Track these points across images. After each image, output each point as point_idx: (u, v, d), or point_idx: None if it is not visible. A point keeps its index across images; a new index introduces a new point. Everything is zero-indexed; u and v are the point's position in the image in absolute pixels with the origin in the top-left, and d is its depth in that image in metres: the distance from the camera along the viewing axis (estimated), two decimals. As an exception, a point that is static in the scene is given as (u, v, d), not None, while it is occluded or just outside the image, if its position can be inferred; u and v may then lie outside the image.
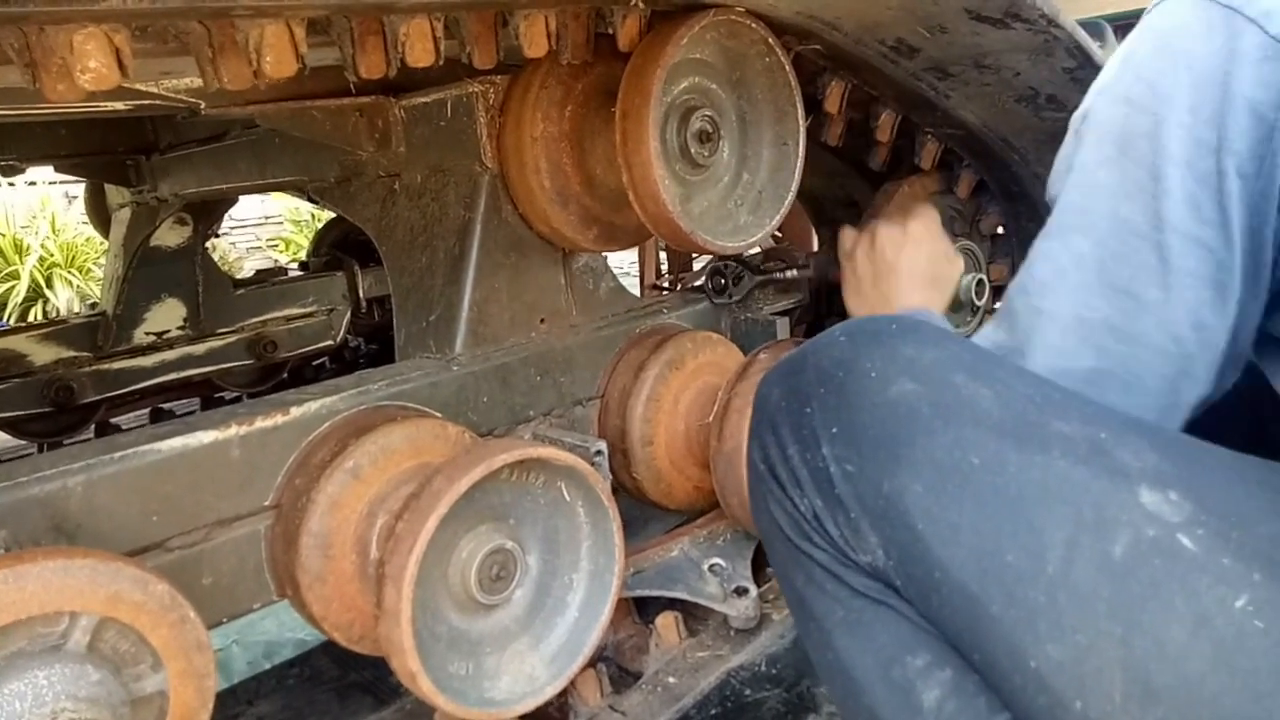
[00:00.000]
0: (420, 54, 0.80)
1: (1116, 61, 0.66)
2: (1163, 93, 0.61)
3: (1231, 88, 0.58)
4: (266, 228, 7.06)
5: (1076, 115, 0.68)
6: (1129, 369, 0.64)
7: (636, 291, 2.78)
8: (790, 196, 1.04)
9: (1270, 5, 0.58)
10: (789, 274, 1.30)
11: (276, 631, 1.39)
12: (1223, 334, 0.62)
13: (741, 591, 1.07)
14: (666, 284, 2.27)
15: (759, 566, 1.15)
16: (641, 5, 0.91)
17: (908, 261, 1.09)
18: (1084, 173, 0.66)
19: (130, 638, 0.63)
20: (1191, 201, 0.60)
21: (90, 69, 0.65)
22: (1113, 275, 0.64)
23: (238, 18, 0.70)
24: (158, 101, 1.08)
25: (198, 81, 0.83)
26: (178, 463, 0.78)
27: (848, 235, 1.18)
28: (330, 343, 2.24)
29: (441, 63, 0.82)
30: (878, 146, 1.25)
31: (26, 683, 0.57)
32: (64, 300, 5.23)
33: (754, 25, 0.96)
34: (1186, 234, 0.61)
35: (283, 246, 6.94)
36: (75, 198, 5.55)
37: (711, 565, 1.10)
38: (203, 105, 1.12)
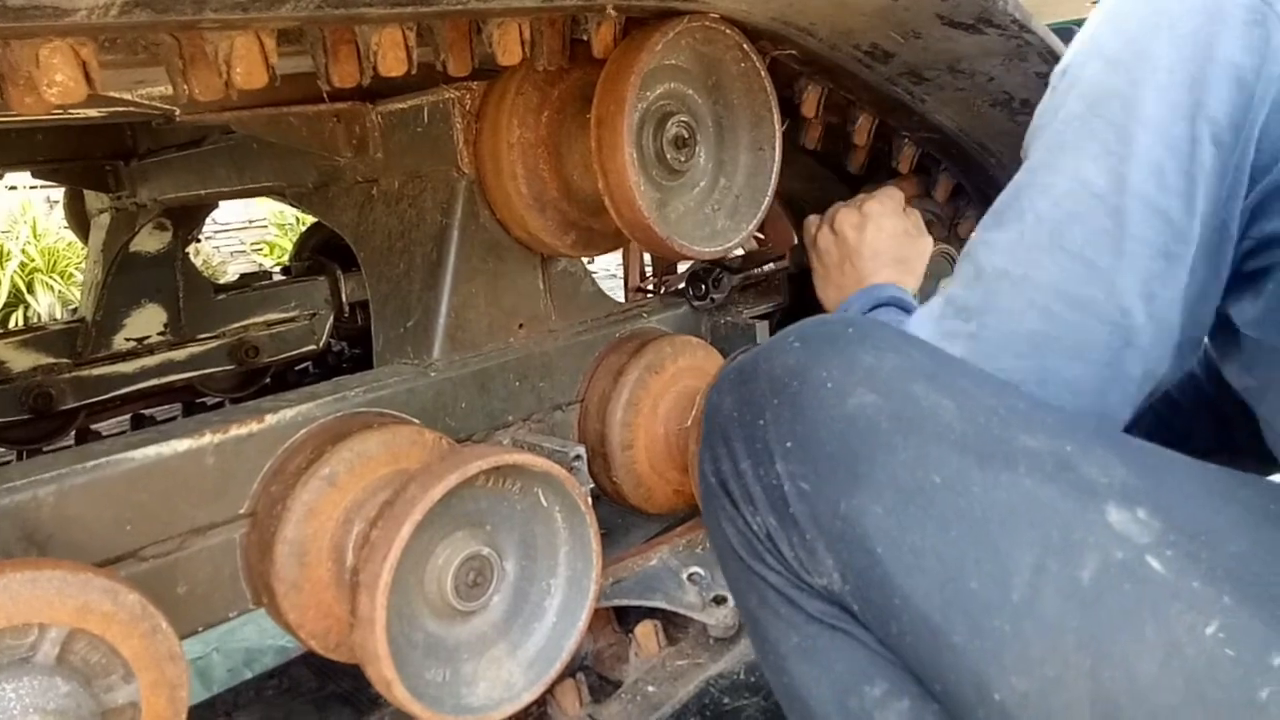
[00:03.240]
0: (393, 63, 0.80)
1: (1099, 17, 0.63)
2: (1141, 51, 0.58)
3: (1215, 51, 0.56)
4: (250, 231, 7.02)
5: (1056, 70, 0.65)
6: (1075, 335, 0.62)
7: (621, 295, 2.78)
8: (767, 201, 1.05)
9: None
10: (767, 267, 1.30)
11: (257, 638, 1.39)
12: (1174, 308, 0.60)
13: (720, 600, 1.07)
14: (651, 287, 2.28)
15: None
16: (614, 12, 0.91)
17: (869, 240, 1.06)
18: (1051, 130, 0.63)
19: (101, 649, 0.63)
20: (1157, 168, 0.58)
21: (57, 82, 0.65)
22: (1066, 237, 0.61)
23: (207, 29, 0.70)
24: (132, 109, 1.07)
25: (171, 89, 0.83)
26: (151, 471, 0.78)
27: (811, 222, 1.17)
28: (313, 347, 2.23)
29: (415, 71, 0.82)
30: (855, 150, 1.26)
31: (-6, 696, 0.57)
32: (45, 306, 5.19)
33: (729, 31, 0.96)
34: (1147, 201, 0.58)
35: (267, 250, 6.91)
36: (56, 203, 5.50)
37: (690, 574, 1.10)
38: (177, 112, 1.11)
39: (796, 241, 1.33)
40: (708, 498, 0.69)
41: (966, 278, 0.68)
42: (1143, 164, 0.58)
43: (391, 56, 0.80)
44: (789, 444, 0.61)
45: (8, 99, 0.66)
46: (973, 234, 0.69)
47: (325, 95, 1.04)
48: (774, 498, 0.62)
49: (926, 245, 1.12)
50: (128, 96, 1.01)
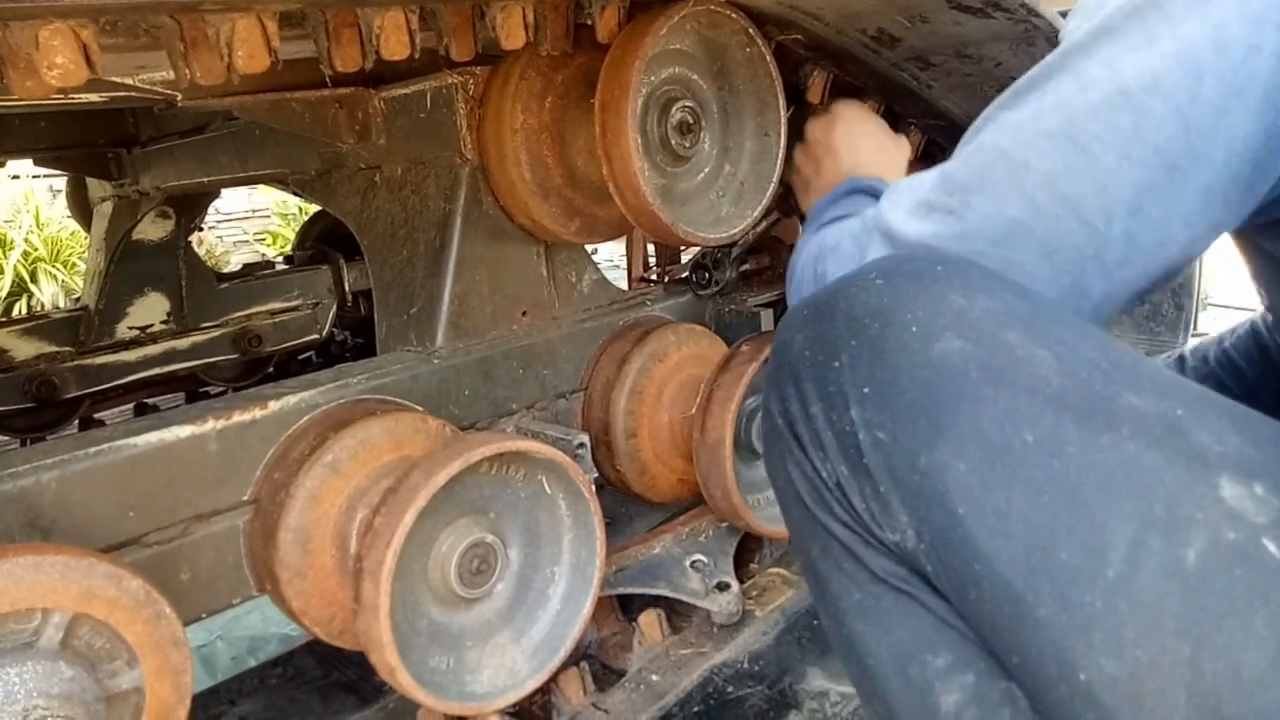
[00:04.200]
0: (396, 47, 0.80)
1: None
2: None
3: None
4: (253, 221, 7.03)
5: None
6: (1050, 231, 0.58)
7: (624, 284, 2.78)
8: (772, 187, 1.04)
9: None
10: (759, 228, 1.27)
11: (261, 626, 1.39)
12: (1159, 230, 0.56)
13: (723, 587, 1.07)
14: (654, 276, 2.27)
15: (741, 562, 1.15)
16: (620, -4, 0.90)
17: (841, 137, 1.02)
18: (1102, 14, 0.58)
19: (105, 634, 0.63)
20: (1195, 69, 0.53)
21: (57, 65, 0.64)
22: (1078, 129, 0.57)
23: (208, 12, 0.69)
24: (133, 94, 1.07)
25: (173, 74, 0.83)
26: (154, 458, 0.78)
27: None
28: (316, 336, 2.23)
29: (418, 55, 0.82)
30: (860, 137, 1.25)
31: (-2, 680, 0.57)
32: (49, 295, 5.19)
33: (734, 15, 0.95)
34: (1174, 105, 0.54)
35: (270, 240, 6.90)
36: (59, 191, 5.50)
37: (694, 561, 1.10)
38: (179, 97, 1.11)
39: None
40: (772, 439, 0.65)
41: (965, 153, 0.64)
42: (1183, 63, 0.53)
43: (394, 40, 0.80)
44: (866, 389, 0.56)
45: (9, 82, 0.65)
46: (987, 108, 0.64)
47: (328, 80, 1.03)
48: (846, 445, 0.57)
49: (902, 139, 1.08)
50: (129, 81, 1.00)
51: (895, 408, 0.55)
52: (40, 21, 0.63)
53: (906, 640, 0.58)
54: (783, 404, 0.63)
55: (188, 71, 0.72)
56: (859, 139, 1.03)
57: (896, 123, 1.21)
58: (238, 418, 0.83)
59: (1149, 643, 0.45)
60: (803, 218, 1.14)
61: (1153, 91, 0.54)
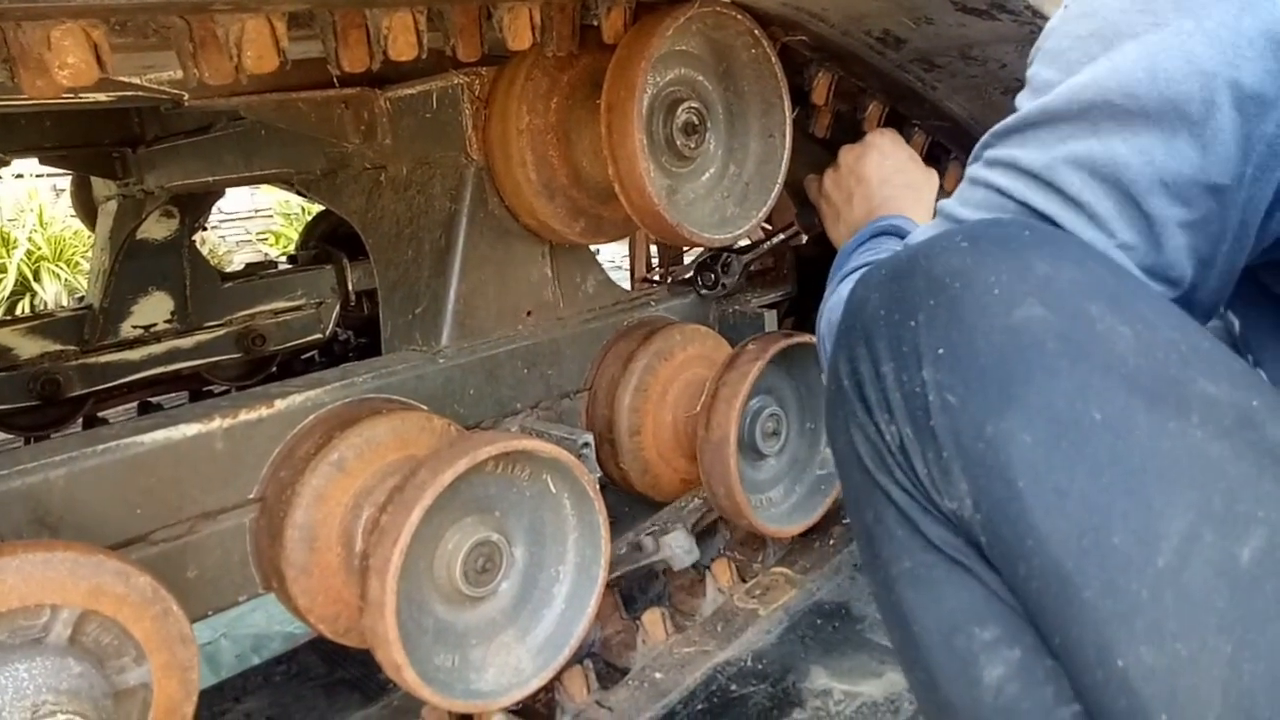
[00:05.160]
0: (403, 47, 0.80)
1: None
2: None
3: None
4: (256, 221, 7.03)
5: None
6: None
7: (627, 284, 2.78)
8: (777, 188, 1.04)
9: None
10: (776, 239, 1.28)
11: (265, 624, 1.39)
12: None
13: (668, 531, 1.08)
14: (657, 277, 2.27)
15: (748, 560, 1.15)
16: (626, -3, 0.91)
17: (873, 167, 1.04)
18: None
19: (113, 630, 0.63)
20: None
21: (69, 64, 0.65)
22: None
23: (217, 12, 0.69)
24: (141, 93, 1.07)
25: (180, 74, 0.83)
26: (161, 455, 0.78)
27: (812, 183, 1.15)
28: (319, 336, 2.23)
29: (425, 55, 0.82)
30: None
31: (7, 676, 0.57)
32: (52, 294, 5.20)
33: (740, 16, 0.96)
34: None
35: (272, 240, 6.91)
36: (63, 190, 5.51)
37: (645, 533, 1.11)
38: (186, 97, 1.11)
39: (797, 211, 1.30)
40: (837, 402, 0.64)
41: (968, 197, 0.65)
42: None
43: (402, 40, 0.80)
44: (941, 350, 0.55)
45: (20, 82, 0.65)
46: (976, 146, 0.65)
47: (334, 80, 1.03)
48: (914, 406, 0.56)
49: (932, 173, 1.09)
50: (137, 81, 1.01)
51: (968, 371, 0.54)
52: (52, 22, 0.63)
53: (955, 610, 0.57)
54: (852, 364, 0.61)
55: (196, 71, 0.73)
56: (891, 172, 1.04)
57: (901, 123, 1.22)
58: (244, 416, 0.83)
59: (1190, 637, 0.45)
60: (823, 236, 1.15)
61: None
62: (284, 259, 2.54)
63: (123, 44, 0.70)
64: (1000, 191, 0.62)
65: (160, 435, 0.78)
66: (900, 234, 0.93)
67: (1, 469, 0.71)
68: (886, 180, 1.03)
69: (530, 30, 0.88)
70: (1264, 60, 0.51)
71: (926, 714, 0.62)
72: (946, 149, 1.29)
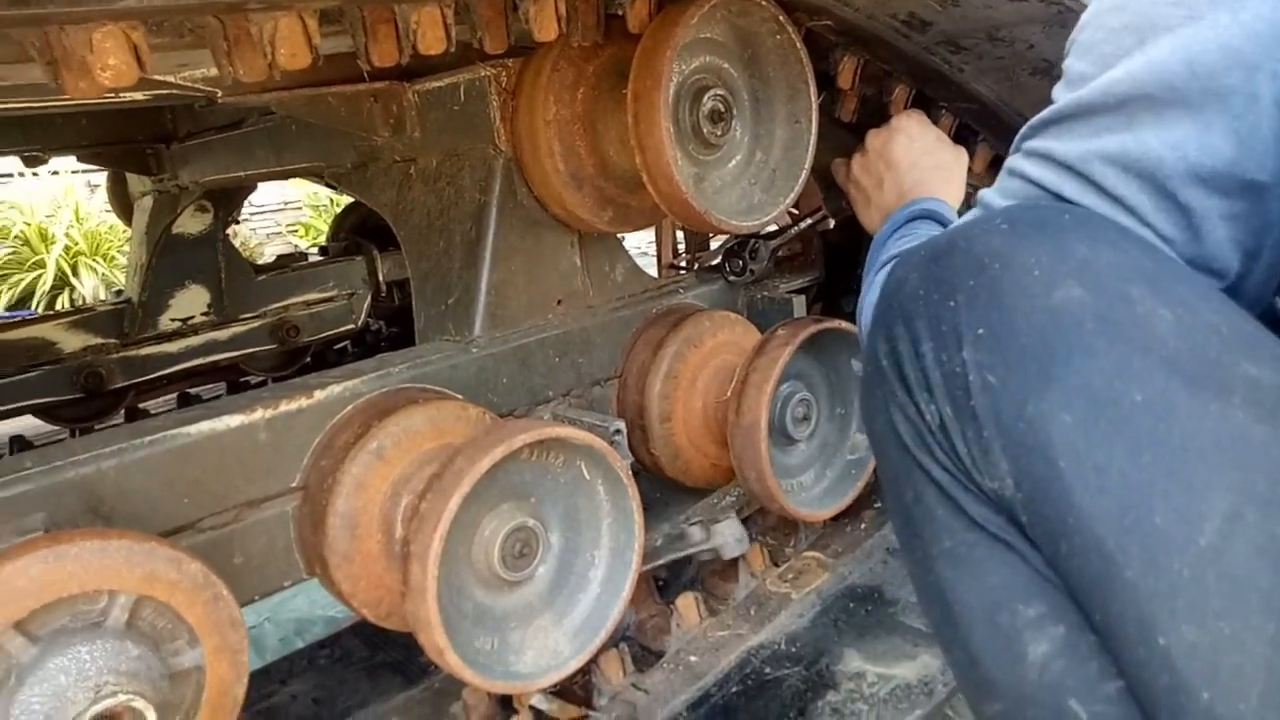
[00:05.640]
0: (432, 41, 0.81)
1: None
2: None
3: None
4: (286, 213, 7.11)
5: None
6: None
7: (654, 271, 2.78)
8: (804, 174, 1.04)
9: None
10: (804, 224, 1.29)
11: (308, 609, 1.43)
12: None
13: (719, 520, 1.09)
14: (684, 263, 2.28)
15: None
16: (651, -14, 0.91)
17: (901, 150, 1.04)
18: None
19: (167, 615, 0.65)
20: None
21: (110, 66, 0.66)
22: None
23: (251, 11, 0.71)
24: (175, 91, 1.09)
25: (214, 71, 0.85)
26: (207, 446, 0.80)
27: (839, 164, 1.15)
28: (351, 326, 2.27)
29: (453, 49, 0.83)
30: (891, 122, 1.25)
31: (70, 658, 0.60)
32: (89, 288, 5.31)
33: (764, 3, 0.96)
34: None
35: (302, 232, 6.99)
36: (98, 186, 5.61)
37: (690, 521, 1.12)
38: (219, 94, 1.13)
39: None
40: (875, 382, 0.65)
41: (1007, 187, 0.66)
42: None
43: (431, 35, 0.81)
44: (980, 330, 0.56)
45: (63, 83, 0.67)
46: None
47: (364, 75, 1.05)
48: (954, 386, 0.57)
49: (962, 152, 1.09)
50: (171, 79, 1.03)
51: (1008, 351, 0.54)
52: (94, 24, 0.65)
53: (998, 588, 0.58)
54: (890, 344, 0.62)
55: (231, 69, 0.75)
56: (919, 155, 1.04)
57: (928, 106, 1.21)
58: (285, 407, 0.85)
59: (1233, 616, 0.46)
60: (850, 221, 1.15)
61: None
62: (314, 250, 2.57)
63: (159, 44, 0.72)
64: (1036, 183, 0.63)
65: (205, 426, 0.80)
66: (934, 217, 0.94)
67: (56, 460, 0.73)
68: (916, 163, 1.03)
69: (556, 22, 0.88)
70: None
71: (966, 693, 0.63)
72: (974, 131, 1.28)
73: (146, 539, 0.66)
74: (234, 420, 0.82)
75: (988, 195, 0.67)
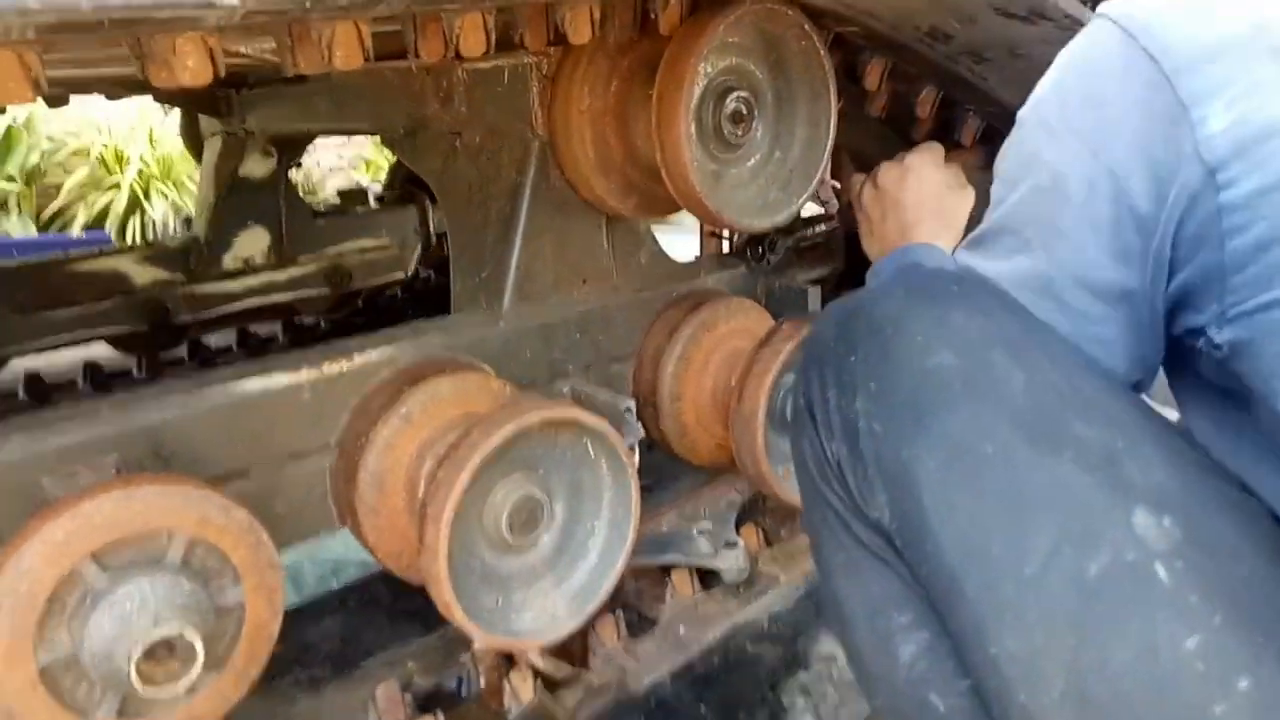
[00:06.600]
0: (473, 45, 0.88)
1: (1056, 67, 0.69)
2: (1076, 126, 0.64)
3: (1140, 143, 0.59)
4: (349, 147, 7.20)
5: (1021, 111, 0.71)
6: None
7: (695, 241, 2.82)
8: (819, 174, 1.09)
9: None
10: (819, 228, 1.34)
11: (343, 551, 1.51)
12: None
13: (730, 544, 1.16)
14: (725, 234, 2.32)
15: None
16: (682, -8, 0.96)
17: (911, 193, 1.09)
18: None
19: (215, 555, 0.75)
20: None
21: (189, 67, 0.74)
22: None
23: (313, 21, 0.78)
24: (241, 60, 1.17)
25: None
26: (259, 401, 0.90)
27: (857, 180, 1.20)
28: (402, 275, 2.35)
29: (493, 51, 0.89)
30: (918, 122, 1.28)
31: (135, 587, 0.69)
32: (159, 213, 5.45)
33: (790, 12, 1.00)
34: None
35: (363, 166, 7.07)
36: (171, 109, 5.70)
37: (699, 529, 1.19)
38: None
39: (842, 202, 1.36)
40: (797, 419, 0.75)
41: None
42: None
43: (473, 39, 0.88)
44: (872, 385, 0.66)
45: (149, 75, 0.76)
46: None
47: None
48: (849, 430, 0.67)
49: (968, 197, 1.14)
50: (240, 49, 1.11)
51: (891, 405, 0.65)
52: (176, 33, 0.73)
53: (877, 597, 0.69)
54: (807, 386, 0.73)
55: (293, 63, 0.83)
56: (926, 197, 1.09)
57: (954, 108, 1.24)
58: (327, 369, 0.94)
59: (1043, 630, 0.56)
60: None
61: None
62: (376, 185, 2.65)
63: (230, 38, 0.80)
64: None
65: (257, 383, 0.89)
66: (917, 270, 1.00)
67: (127, 408, 0.83)
68: (920, 204, 1.09)
69: (590, 25, 0.94)
70: (1144, 183, 0.60)
71: (858, 682, 0.75)
72: (1001, 133, 1.30)
73: (201, 485, 0.76)
74: (284, 379, 0.91)
75: (963, 257, 0.76)
